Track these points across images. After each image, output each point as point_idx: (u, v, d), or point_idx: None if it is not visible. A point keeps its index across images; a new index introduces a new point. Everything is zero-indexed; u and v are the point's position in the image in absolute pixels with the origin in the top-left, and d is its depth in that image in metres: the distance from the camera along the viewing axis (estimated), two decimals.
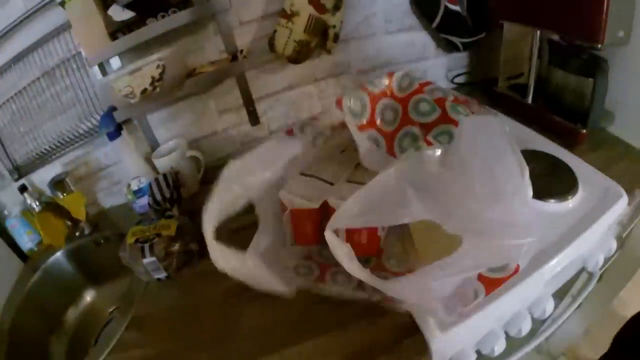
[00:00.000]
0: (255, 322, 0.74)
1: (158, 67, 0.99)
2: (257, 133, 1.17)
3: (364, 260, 0.72)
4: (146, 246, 0.87)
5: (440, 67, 1.30)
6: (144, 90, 1.00)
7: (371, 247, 0.75)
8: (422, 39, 1.26)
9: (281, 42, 1.07)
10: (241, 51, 1.06)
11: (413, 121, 0.79)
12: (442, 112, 0.75)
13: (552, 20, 0.94)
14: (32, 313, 1.07)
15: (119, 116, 1.04)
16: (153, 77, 0.99)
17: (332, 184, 0.76)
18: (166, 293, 0.88)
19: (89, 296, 1.18)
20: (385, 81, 0.83)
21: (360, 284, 0.68)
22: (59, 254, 1.14)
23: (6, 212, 1.18)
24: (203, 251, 0.87)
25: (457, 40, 1.22)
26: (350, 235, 0.72)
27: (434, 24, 1.22)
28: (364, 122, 0.80)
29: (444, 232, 0.53)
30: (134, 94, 1.00)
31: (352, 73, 1.19)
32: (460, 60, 1.32)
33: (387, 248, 0.77)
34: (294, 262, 0.78)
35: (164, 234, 0.87)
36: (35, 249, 1.19)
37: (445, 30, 1.22)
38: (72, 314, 1.15)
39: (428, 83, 0.82)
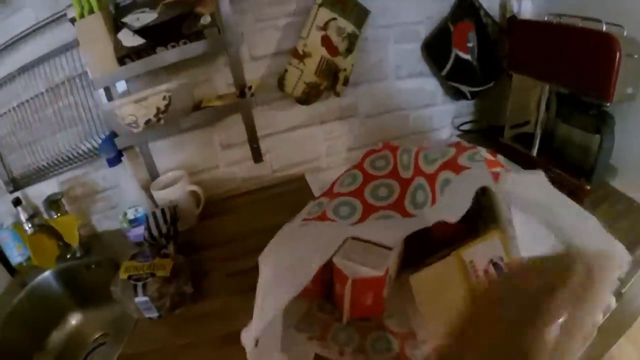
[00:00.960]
0: None
1: (164, 98, 0.95)
2: (260, 171, 1.13)
3: (366, 320, 0.69)
4: (139, 285, 0.83)
5: (446, 114, 1.27)
6: (148, 121, 0.96)
7: (376, 308, 0.71)
8: (431, 85, 1.23)
9: (291, 82, 1.04)
10: (250, 87, 1.03)
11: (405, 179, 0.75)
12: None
13: (561, 76, 0.92)
14: (16, 330, 1.03)
15: (120, 143, 1.00)
16: (158, 109, 0.96)
17: (390, 248, 0.68)
18: (157, 332, 0.84)
19: (74, 319, 1.14)
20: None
21: None
22: (48, 272, 1.10)
23: None
24: (197, 293, 0.84)
25: (465, 88, 1.20)
26: (356, 298, 0.68)
27: (444, 72, 1.20)
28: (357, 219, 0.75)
29: (448, 294, 0.51)
30: (137, 123, 0.96)
31: (360, 116, 1.16)
32: (466, 107, 1.30)
33: (388, 307, 0.72)
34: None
35: (158, 274, 0.83)
36: (25, 263, 1.15)
37: (455, 78, 1.20)
38: (57, 336, 1.11)
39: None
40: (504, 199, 0.59)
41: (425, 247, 0.70)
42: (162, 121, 0.96)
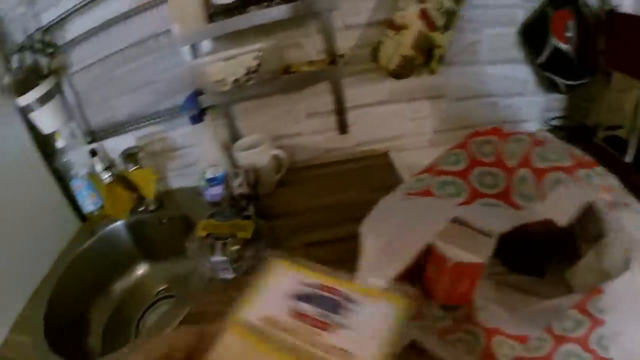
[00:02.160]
0: None
1: (255, 58, 0.89)
2: (343, 143, 1.06)
3: (451, 308, 0.62)
4: (218, 244, 0.78)
5: (535, 107, 1.16)
6: (237, 80, 0.90)
7: (467, 297, 0.62)
8: (523, 74, 1.12)
9: (386, 54, 0.96)
10: (342, 55, 0.95)
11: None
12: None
13: None
14: (80, 275, 1.02)
15: (204, 101, 0.95)
16: (249, 68, 0.90)
17: (489, 236, 0.63)
18: (227, 294, 0.79)
19: (140, 270, 1.11)
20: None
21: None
22: (119, 223, 1.08)
23: (73, 173, 1.12)
24: None
25: (560, 80, 1.08)
26: (451, 283, 0.61)
27: (539, 60, 1.09)
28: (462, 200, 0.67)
29: None
30: (225, 82, 0.91)
31: (449, 98, 1.06)
32: (556, 102, 1.18)
33: (479, 299, 0.64)
34: None
35: (239, 235, 0.78)
36: (96, 212, 1.13)
37: (550, 69, 1.09)
38: (121, 285, 1.09)
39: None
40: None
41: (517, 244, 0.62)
42: (251, 81, 0.90)
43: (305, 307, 0.32)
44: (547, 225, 0.52)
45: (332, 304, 0.32)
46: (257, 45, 0.89)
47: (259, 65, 0.89)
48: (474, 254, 0.58)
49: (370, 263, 0.57)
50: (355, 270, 0.56)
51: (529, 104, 1.16)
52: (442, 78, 1.05)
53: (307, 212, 0.91)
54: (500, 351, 0.54)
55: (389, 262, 0.54)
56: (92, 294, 1.04)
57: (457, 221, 0.62)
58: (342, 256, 0.75)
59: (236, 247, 0.77)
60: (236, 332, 0.31)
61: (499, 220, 0.59)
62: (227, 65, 0.89)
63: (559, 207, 0.53)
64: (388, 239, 0.58)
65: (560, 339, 0.50)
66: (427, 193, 0.67)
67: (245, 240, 0.78)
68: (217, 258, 0.78)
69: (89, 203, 1.13)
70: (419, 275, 0.67)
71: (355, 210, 0.87)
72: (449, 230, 0.60)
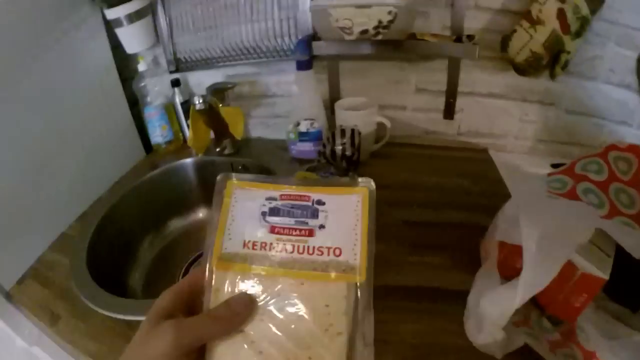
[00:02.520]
0: (416, 340, 0.55)
1: (390, 13, 0.82)
2: (445, 128, 0.99)
3: (554, 322, 0.57)
4: None
5: (637, 140, 1.08)
6: (365, 32, 0.83)
7: (575, 313, 0.57)
8: (635, 103, 1.05)
9: (517, 46, 0.89)
10: (469, 36, 0.88)
11: None
12: None
13: None
14: (135, 206, 0.95)
15: (318, 48, 0.88)
16: (380, 22, 0.83)
17: (609, 255, 0.58)
18: None
19: (200, 214, 1.03)
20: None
21: None
22: (189, 160, 1.01)
23: (148, 99, 1.04)
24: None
25: None
26: (569, 294, 0.55)
27: None
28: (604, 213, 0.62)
29: None
30: (351, 30, 0.83)
31: (560, 108, 1.00)
32: None
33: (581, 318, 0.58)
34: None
35: None
36: (164, 145, 1.06)
37: None
38: (175, 224, 1.02)
39: None
40: None
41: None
42: (379, 36, 0.83)
43: (279, 220, 0.33)
44: None
45: (305, 211, 0.33)
46: (395, 0, 0.82)
47: (391, 21, 0.82)
48: (600, 269, 0.53)
49: (536, 257, 0.50)
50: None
51: (632, 137, 1.08)
52: (559, 86, 0.98)
53: (403, 189, 0.83)
54: None
55: (552, 260, 0.49)
56: (144, 228, 0.97)
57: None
58: (441, 241, 0.70)
59: None
60: (222, 267, 0.31)
61: (636, 242, 0.54)
62: (359, 12, 0.81)
63: None
64: (547, 236, 0.52)
65: None
66: (572, 195, 0.62)
67: None
68: None
69: (158, 134, 1.06)
70: None
71: (455, 198, 0.82)
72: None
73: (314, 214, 0.34)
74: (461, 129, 0.98)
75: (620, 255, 0.51)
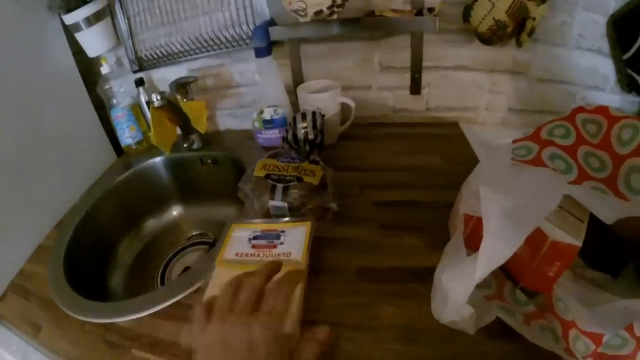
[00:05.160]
0: (396, 322, 0.51)
1: None
2: (413, 105, 0.93)
3: (529, 294, 0.54)
4: (279, 186, 0.65)
5: (610, 104, 1.02)
6: (319, 12, 0.77)
7: (550, 284, 0.52)
8: (606, 68, 0.99)
9: (479, 15, 0.83)
10: (430, 9, 0.82)
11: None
12: None
13: None
14: (110, 210, 0.91)
15: (275, 33, 0.82)
16: (334, 1, 0.76)
17: (582, 220, 0.52)
18: None
19: (175, 212, 0.99)
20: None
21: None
22: (158, 159, 0.96)
23: (114, 102, 0.99)
24: (339, 215, 0.65)
25: None
26: (541, 265, 0.51)
27: (626, 56, 0.95)
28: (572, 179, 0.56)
29: None
30: (305, 11, 0.77)
31: (530, 77, 0.93)
32: (631, 104, 1.04)
33: (558, 288, 0.53)
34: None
35: (305, 179, 0.64)
36: (134, 146, 1.00)
37: (635, 67, 0.95)
38: (153, 224, 0.98)
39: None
40: None
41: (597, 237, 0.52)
42: (334, 16, 0.77)
43: (257, 241, 0.59)
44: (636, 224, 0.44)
45: (273, 235, 0.60)
46: None
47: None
48: (570, 235, 0.48)
49: (496, 229, 0.45)
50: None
51: (605, 101, 1.02)
52: (528, 54, 0.92)
53: (375, 170, 0.78)
54: (575, 347, 0.46)
55: (514, 231, 0.44)
56: (121, 231, 0.93)
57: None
58: (414, 221, 0.65)
59: (302, 193, 0.64)
60: (224, 265, 0.57)
61: (607, 208, 0.48)
62: None
63: None
64: (510, 206, 0.47)
65: None
66: (538, 162, 0.56)
67: (313, 186, 0.65)
68: (276, 203, 0.65)
69: (127, 136, 1.00)
70: None
71: (427, 177, 0.76)
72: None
73: (278, 237, 0.59)
74: (429, 104, 0.92)
75: (596, 221, 0.46)
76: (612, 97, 1.03)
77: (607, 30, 0.96)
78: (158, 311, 0.57)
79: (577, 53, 0.97)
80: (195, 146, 0.93)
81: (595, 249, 0.62)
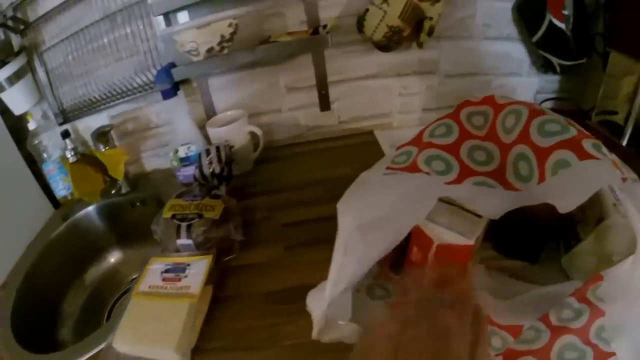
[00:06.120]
0: (302, 339, 0.52)
1: (230, 25, 0.77)
2: (325, 120, 0.94)
3: None
4: (183, 225, 0.66)
5: (529, 88, 1.04)
6: (210, 49, 0.78)
7: None
8: (519, 53, 1.00)
9: (372, 24, 0.83)
10: (324, 26, 0.83)
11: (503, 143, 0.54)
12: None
13: None
14: (53, 262, 0.91)
15: (177, 74, 0.83)
16: (222, 36, 0.77)
17: (480, 216, 0.51)
18: None
19: (113, 257, 0.99)
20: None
21: None
22: (90, 208, 0.96)
23: (45, 156, 0.99)
24: (247, 242, 0.67)
25: (555, 60, 0.96)
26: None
27: (535, 38, 0.96)
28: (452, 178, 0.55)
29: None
30: (198, 51, 0.78)
31: (439, 74, 0.94)
32: (551, 83, 1.06)
33: None
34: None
35: (206, 215, 0.66)
36: (69, 197, 1.01)
37: (545, 47, 0.96)
38: (94, 272, 0.97)
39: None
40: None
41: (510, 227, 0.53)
42: (225, 50, 0.78)
43: (167, 274, 0.62)
44: (544, 208, 0.43)
45: (180, 268, 0.63)
46: (233, 12, 0.77)
47: (233, 33, 0.77)
48: (461, 234, 0.48)
49: (349, 246, 0.45)
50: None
51: (523, 85, 1.04)
52: (434, 53, 0.93)
53: (286, 190, 0.79)
54: (489, 344, 0.44)
55: (371, 247, 0.44)
56: (64, 284, 0.92)
57: (444, 201, 0.52)
58: (319, 237, 0.65)
59: (203, 229, 0.65)
60: (138, 297, 0.60)
61: (493, 202, 0.47)
62: (200, 33, 0.77)
63: (561, 193, 0.43)
64: (370, 218, 0.46)
65: (558, 330, 0.40)
66: (413, 168, 0.54)
67: (214, 220, 0.66)
68: (183, 241, 0.66)
69: (61, 187, 1.01)
70: (401, 259, 0.56)
71: (338, 190, 0.76)
72: (436, 208, 0.49)
73: (184, 270, 0.62)
74: (342, 118, 0.94)
75: (512, 212, 0.45)
76: (530, 80, 1.04)
77: (513, 15, 0.97)
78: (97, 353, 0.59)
79: (486, 43, 0.98)
80: (123, 190, 0.93)
81: (508, 238, 0.62)
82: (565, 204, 0.39)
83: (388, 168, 0.56)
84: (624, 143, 0.82)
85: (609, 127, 0.88)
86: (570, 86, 1.04)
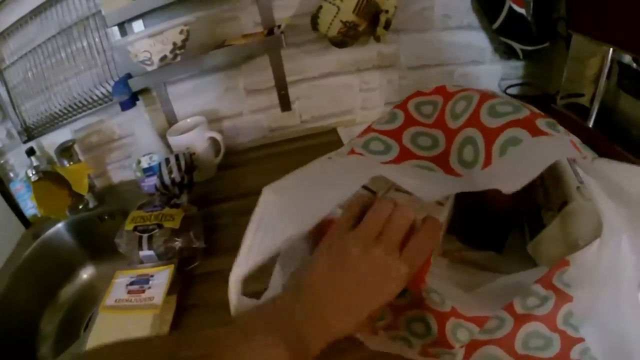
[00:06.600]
0: None
1: (182, 32, 0.77)
2: (287, 121, 0.93)
3: (400, 294, 0.48)
4: (145, 237, 0.66)
5: (493, 75, 1.04)
6: (163, 58, 0.77)
7: (416, 280, 0.49)
8: (480, 41, 1.00)
9: (326, 21, 0.83)
10: (279, 26, 0.82)
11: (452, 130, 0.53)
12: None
13: (630, 41, 0.68)
14: (26, 284, 0.89)
15: (134, 84, 0.82)
16: (175, 44, 0.77)
17: (441, 204, 0.50)
18: None
19: (86, 273, 0.98)
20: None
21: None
22: (60, 225, 0.94)
23: (12, 175, 0.98)
24: (210, 249, 0.66)
25: (517, 46, 0.96)
26: None
27: (495, 25, 0.96)
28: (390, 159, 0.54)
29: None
30: (151, 60, 0.78)
31: (400, 68, 0.94)
32: (515, 70, 1.06)
33: (431, 279, 0.50)
34: None
35: (166, 225, 0.65)
36: (39, 215, 0.99)
37: (506, 34, 0.96)
38: (68, 290, 0.96)
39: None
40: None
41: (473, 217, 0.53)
42: (178, 58, 0.78)
43: (132, 287, 0.62)
44: (502, 195, 0.40)
45: (144, 280, 0.62)
46: (183, 19, 0.76)
47: (185, 40, 0.76)
48: None
49: (265, 221, 0.44)
50: None
51: (487, 73, 1.04)
52: (393, 46, 0.93)
53: (250, 195, 0.76)
54: (454, 336, 0.43)
55: (288, 223, 0.43)
56: (40, 303, 0.91)
57: (399, 189, 0.49)
58: None
59: (163, 239, 0.65)
60: (105, 311, 0.60)
61: (433, 185, 0.45)
62: (153, 41, 0.76)
63: (507, 174, 0.41)
64: (292, 197, 0.45)
65: (522, 318, 0.39)
66: (350, 153, 0.52)
67: (173, 230, 0.66)
68: (145, 252, 0.66)
69: (30, 206, 0.99)
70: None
71: None
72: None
73: (147, 282, 0.61)
74: (304, 117, 0.93)
75: (468, 199, 0.45)
76: (493, 68, 1.04)
77: (473, 4, 0.97)
78: None
79: (446, 34, 0.97)
80: (91, 205, 0.93)
81: (471, 228, 0.61)
82: (512, 183, 0.37)
83: (328, 157, 0.54)
84: (590, 125, 0.82)
85: (574, 109, 0.88)
86: (535, 71, 1.04)
